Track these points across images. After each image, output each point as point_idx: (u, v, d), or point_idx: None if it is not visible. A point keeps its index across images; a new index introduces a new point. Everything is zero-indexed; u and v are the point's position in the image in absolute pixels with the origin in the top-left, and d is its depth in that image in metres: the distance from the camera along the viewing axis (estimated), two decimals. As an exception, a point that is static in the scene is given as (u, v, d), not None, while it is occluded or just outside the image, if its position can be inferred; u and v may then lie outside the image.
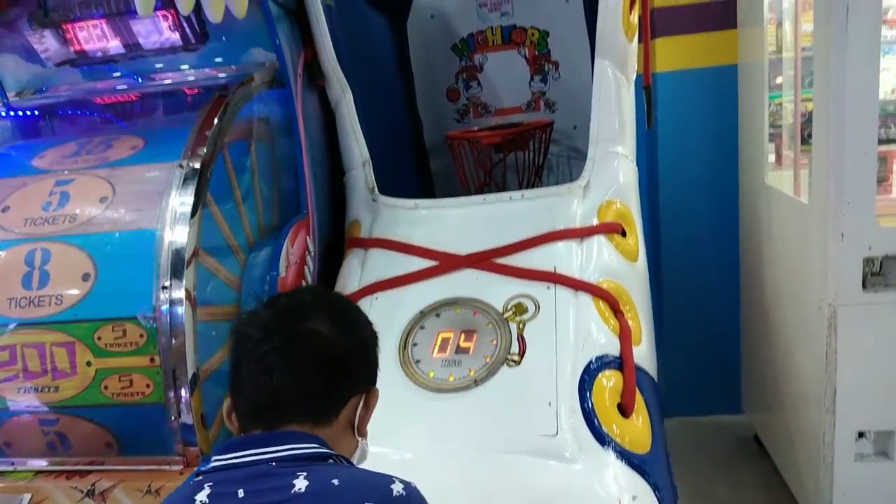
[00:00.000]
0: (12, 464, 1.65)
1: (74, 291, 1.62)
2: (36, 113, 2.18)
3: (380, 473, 0.94)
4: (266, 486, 0.88)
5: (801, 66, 2.38)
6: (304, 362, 0.98)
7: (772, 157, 2.71)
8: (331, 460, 0.94)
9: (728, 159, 2.97)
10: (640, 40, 2.19)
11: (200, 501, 0.88)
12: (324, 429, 0.98)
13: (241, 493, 0.88)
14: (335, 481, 0.88)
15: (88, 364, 1.60)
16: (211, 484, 0.90)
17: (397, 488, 0.90)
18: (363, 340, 1.08)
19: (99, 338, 1.60)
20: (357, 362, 1.05)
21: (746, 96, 2.81)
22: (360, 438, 1.05)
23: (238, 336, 1.02)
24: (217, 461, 0.93)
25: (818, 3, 2.06)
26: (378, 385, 1.09)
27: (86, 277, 1.63)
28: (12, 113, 2.17)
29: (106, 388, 1.61)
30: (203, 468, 0.94)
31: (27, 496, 1.53)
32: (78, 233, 1.66)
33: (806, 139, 2.33)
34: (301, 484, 0.87)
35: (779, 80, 2.64)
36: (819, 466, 2.17)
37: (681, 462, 1.82)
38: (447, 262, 1.93)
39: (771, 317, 2.63)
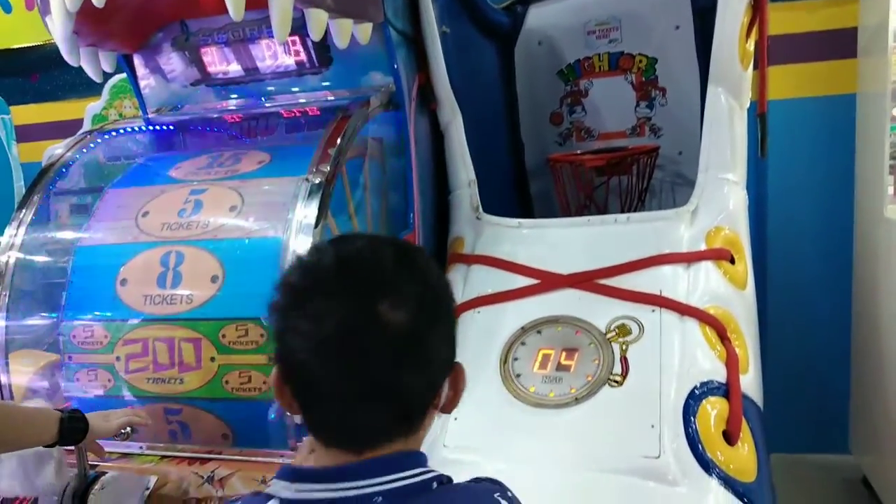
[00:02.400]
0: (140, 447, 1.79)
1: (203, 292, 1.75)
2: (171, 128, 2.38)
3: (481, 489, 0.90)
4: None
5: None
6: (383, 395, 0.81)
7: (891, 190, 2.59)
8: (435, 483, 0.84)
9: (841, 190, 2.86)
10: (755, 67, 2.17)
11: None
12: (415, 436, 0.87)
13: None
14: None
15: (212, 359, 1.73)
16: None
17: None
18: (449, 318, 0.90)
19: (223, 335, 1.72)
20: (443, 350, 0.87)
21: (865, 127, 2.70)
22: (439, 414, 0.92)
23: (286, 311, 0.84)
24: (305, 491, 0.81)
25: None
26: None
27: (214, 279, 1.76)
28: (151, 128, 2.37)
29: (226, 382, 1.72)
30: (283, 495, 0.82)
31: (153, 478, 1.65)
32: (209, 238, 1.80)
33: (930, 172, 2.23)
34: None
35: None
36: (937, 517, 2.05)
37: (780, 502, 1.76)
38: (549, 281, 1.96)
39: (885, 353, 2.51)
